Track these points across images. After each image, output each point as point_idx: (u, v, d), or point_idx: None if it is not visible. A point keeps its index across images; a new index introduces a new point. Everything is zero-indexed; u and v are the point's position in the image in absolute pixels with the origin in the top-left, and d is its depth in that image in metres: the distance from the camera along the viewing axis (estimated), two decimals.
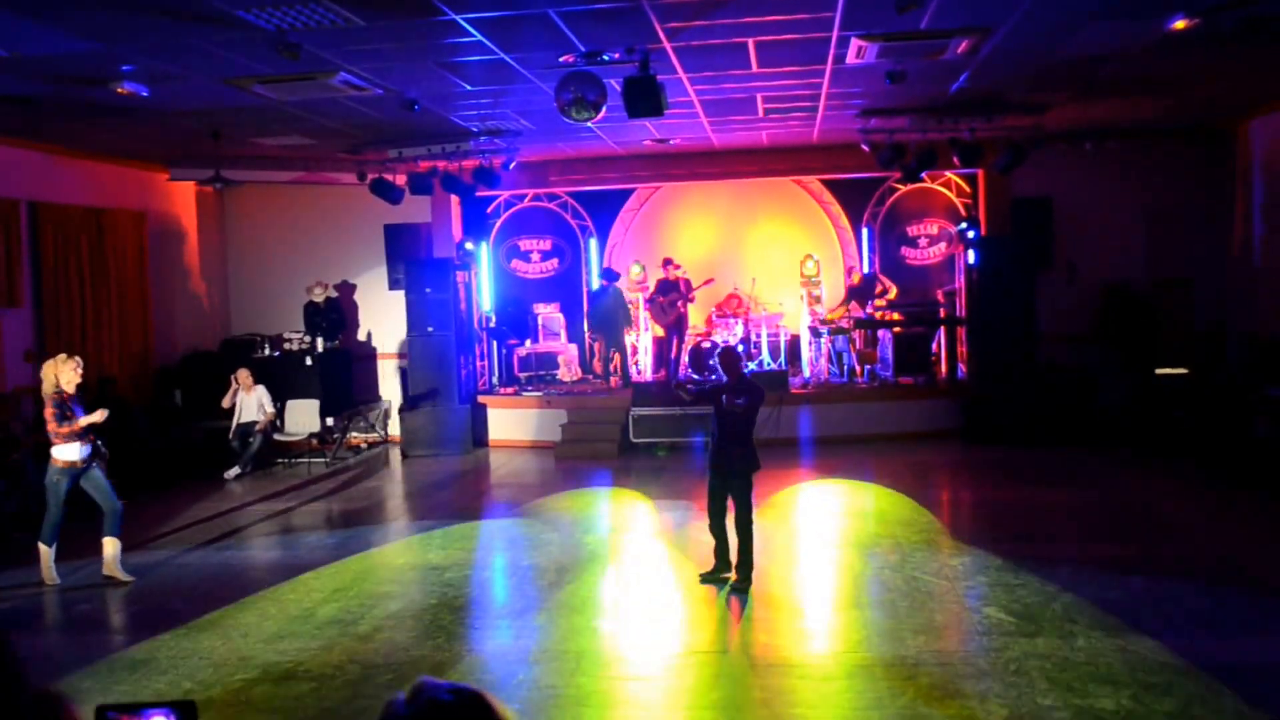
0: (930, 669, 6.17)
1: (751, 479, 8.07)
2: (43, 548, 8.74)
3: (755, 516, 8.08)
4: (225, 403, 13.85)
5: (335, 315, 15.92)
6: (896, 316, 15.09)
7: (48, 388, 8.52)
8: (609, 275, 16.08)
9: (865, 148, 13.12)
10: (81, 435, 8.54)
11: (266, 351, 15.50)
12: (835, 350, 15.41)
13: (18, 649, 1.77)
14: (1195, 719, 5.36)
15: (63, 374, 8.48)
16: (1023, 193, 14.94)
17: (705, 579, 8.13)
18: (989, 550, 8.73)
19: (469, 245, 15.85)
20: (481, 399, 15.57)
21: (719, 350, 8.46)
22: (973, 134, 12.50)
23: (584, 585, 8.30)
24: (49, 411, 8.45)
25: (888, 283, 15.55)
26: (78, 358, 8.71)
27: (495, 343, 16.58)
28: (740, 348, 15.47)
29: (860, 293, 15.44)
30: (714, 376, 13.90)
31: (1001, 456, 13.06)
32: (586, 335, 16.65)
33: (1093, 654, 6.28)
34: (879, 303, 15.21)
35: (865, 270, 16.16)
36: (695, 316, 16.24)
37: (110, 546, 8.78)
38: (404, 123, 11.57)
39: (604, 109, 8.68)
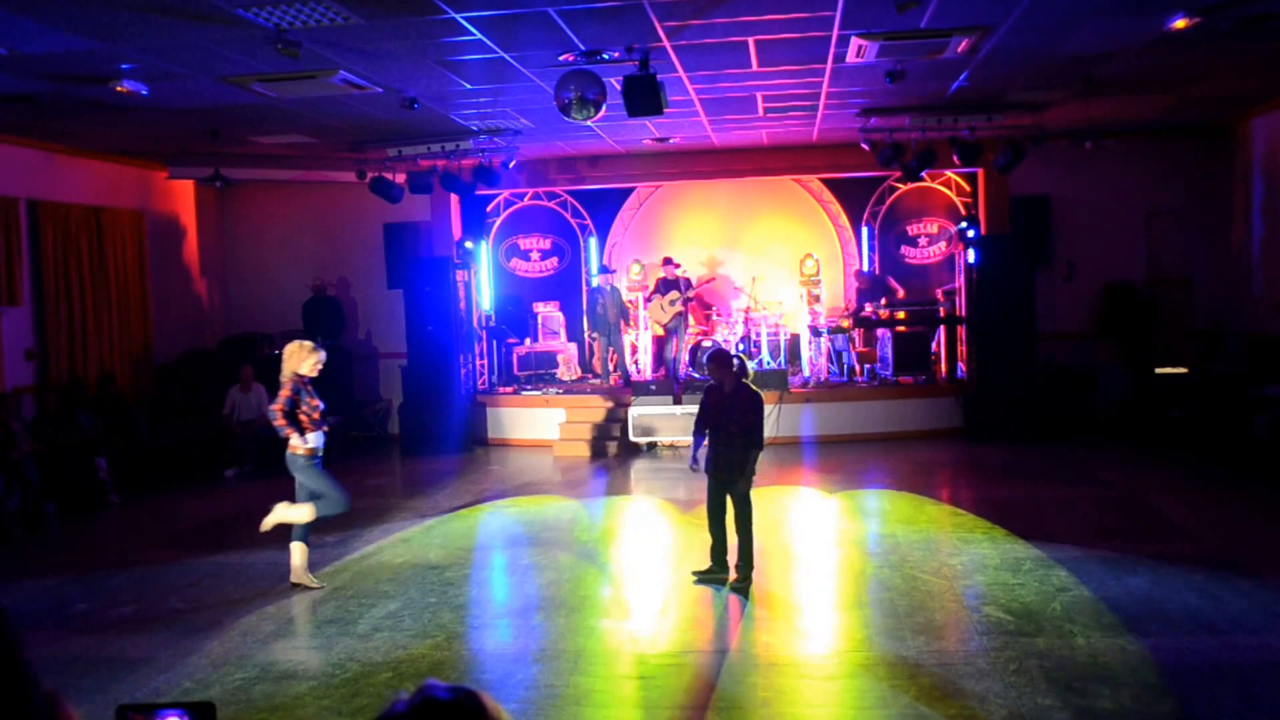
0: (931, 668, 6.17)
1: (749, 482, 7.98)
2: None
3: (756, 515, 8.06)
4: (226, 410, 13.84)
5: (334, 314, 15.92)
6: (901, 315, 15.09)
7: (287, 372, 8.19)
8: (603, 271, 16.14)
9: (865, 146, 13.12)
10: (319, 423, 8.30)
11: (266, 350, 15.48)
12: (835, 349, 15.42)
13: (25, 647, 1.77)
14: (1195, 719, 5.36)
15: (304, 364, 8.18)
16: (1022, 191, 14.94)
17: (701, 579, 8.11)
18: (988, 549, 8.73)
19: (468, 244, 15.84)
20: (481, 398, 15.58)
21: (707, 355, 8.37)
22: (972, 133, 12.51)
23: (583, 584, 8.30)
24: (284, 395, 8.10)
25: (895, 284, 15.58)
26: (322, 351, 8.36)
27: (495, 341, 16.58)
28: (740, 346, 15.54)
29: (869, 294, 15.44)
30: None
31: (1001, 455, 13.07)
32: (586, 334, 16.66)
33: (1092, 653, 6.28)
34: (882, 301, 15.22)
35: (866, 269, 16.19)
36: (695, 315, 16.29)
37: (294, 550, 8.50)
38: (404, 121, 11.57)
39: (604, 108, 8.68)
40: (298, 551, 8.36)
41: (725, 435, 7.94)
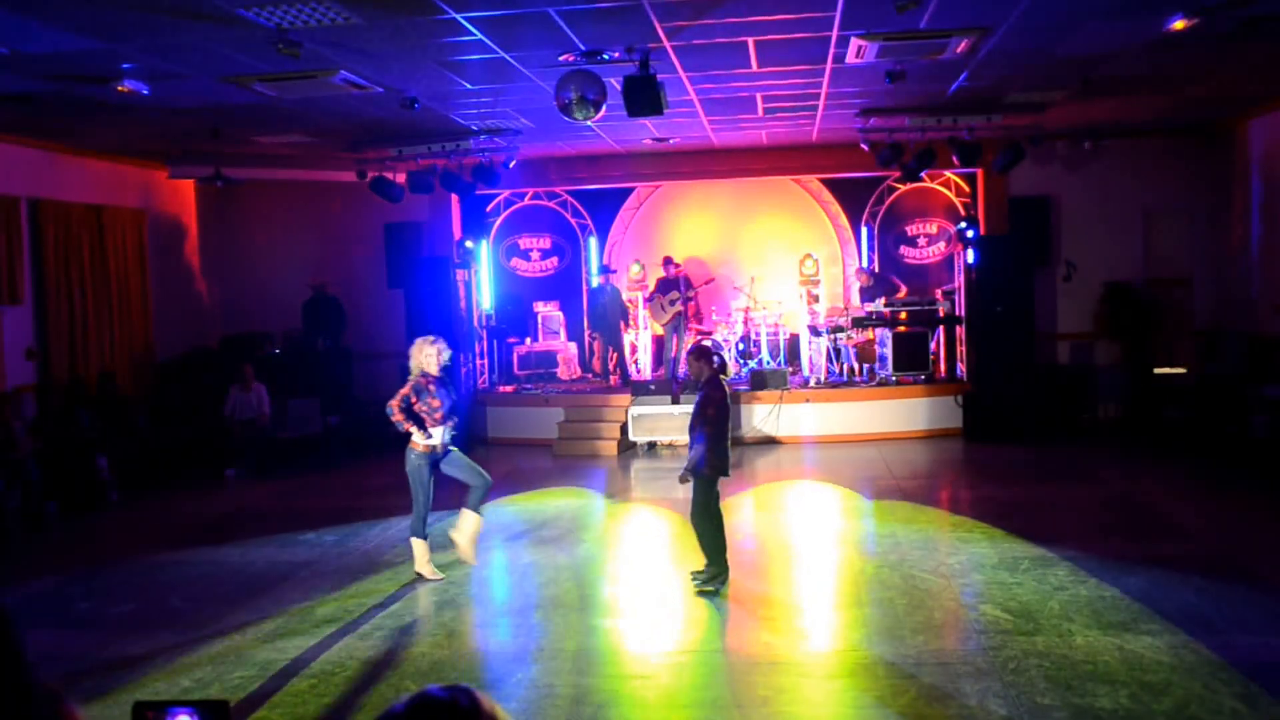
0: (930, 668, 6.18)
1: (703, 481, 7.89)
2: (417, 542, 8.42)
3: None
4: (226, 409, 13.84)
5: (335, 313, 15.92)
6: (901, 315, 15.10)
7: (415, 370, 8.26)
8: (604, 271, 16.16)
9: (864, 147, 13.14)
10: (442, 420, 8.25)
11: (267, 349, 15.50)
12: (834, 349, 15.44)
13: (24, 644, 1.79)
14: (1193, 718, 5.37)
15: (429, 361, 8.21)
16: (1022, 192, 14.98)
17: (696, 576, 8.13)
18: (987, 548, 8.75)
19: (469, 243, 15.86)
20: (481, 397, 15.59)
21: (688, 349, 8.39)
22: (971, 133, 12.52)
23: (583, 583, 8.31)
24: (403, 392, 8.17)
25: (898, 281, 15.60)
26: (442, 343, 8.36)
27: (495, 341, 16.60)
28: (740, 346, 15.58)
29: (872, 292, 15.47)
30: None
31: (1000, 454, 13.09)
32: (586, 333, 16.70)
33: (1091, 652, 6.30)
34: (881, 301, 15.24)
35: (864, 265, 16.21)
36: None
37: (471, 522, 8.56)
38: (404, 121, 11.59)
39: (604, 108, 8.69)
40: (469, 520, 8.50)
41: (690, 431, 8.00)
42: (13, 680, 1.72)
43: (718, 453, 7.83)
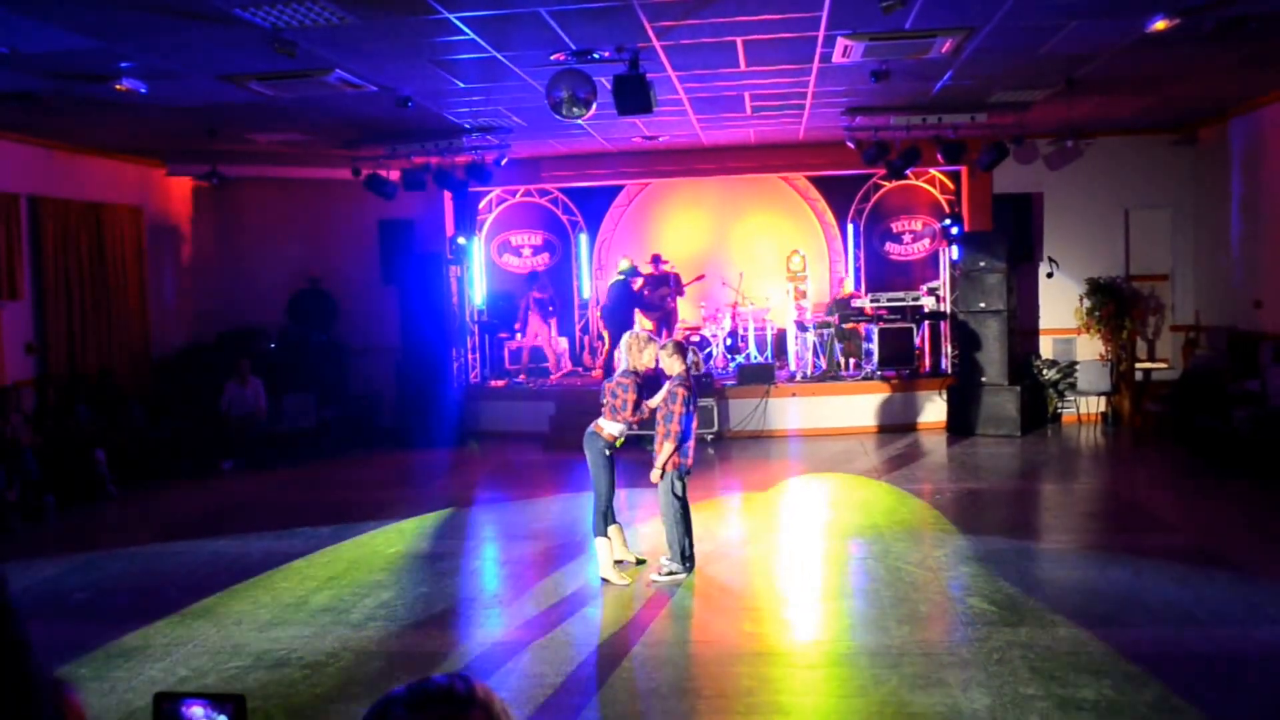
0: (914, 658, 6.26)
1: (669, 475, 8.09)
2: (600, 542, 8.15)
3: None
4: (224, 406, 13.91)
5: (327, 307, 15.97)
6: (883, 311, 15.24)
7: (630, 366, 8.15)
8: (631, 274, 16.10)
9: (850, 145, 13.23)
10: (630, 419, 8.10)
11: (263, 344, 15.56)
12: (821, 344, 15.57)
13: (28, 634, 1.82)
14: (1175, 709, 5.43)
15: (644, 355, 8.11)
16: (1006, 189, 15.11)
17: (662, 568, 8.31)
18: (972, 541, 8.86)
19: (461, 240, 15.95)
20: (473, 391, 15.68)
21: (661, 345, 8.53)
22: (956, 132, 12.64)
23: (573, 575, 8.41)
24: (633, 395, 8.02)
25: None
26: (655, 342, 8.27)
27: (486, 336, 16.70)
28: (728, 341, 15.70)
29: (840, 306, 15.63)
30: (705, 370, 14.11)
31: (984, 448, 13.22)
32: (593, 324, 16.79)
33: (1075, 644, 6.37)
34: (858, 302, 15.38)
35: (849, 288, 16.33)
36: (684, 310, 16.44)
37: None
38: (398, 119, 11.67)
39: (594, 106, 8.79)
40: (603, 547, 8.13)
41: (657, 423, 8.21)
42: (16, 670, 1.72)
43: (682, 450, 8.04)
